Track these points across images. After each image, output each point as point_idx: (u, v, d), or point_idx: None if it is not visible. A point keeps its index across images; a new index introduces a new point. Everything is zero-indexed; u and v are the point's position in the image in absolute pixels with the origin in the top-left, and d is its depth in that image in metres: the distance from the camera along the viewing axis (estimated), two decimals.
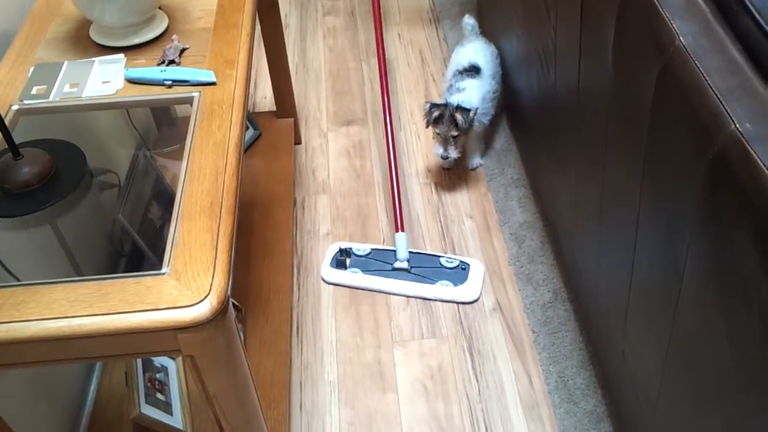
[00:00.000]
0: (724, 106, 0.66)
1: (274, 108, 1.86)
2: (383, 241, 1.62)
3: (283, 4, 2.41)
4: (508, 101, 1.89)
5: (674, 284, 0.84)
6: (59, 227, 0.82)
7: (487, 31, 1.92)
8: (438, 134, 1.66)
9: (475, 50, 1.80)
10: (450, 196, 1.73)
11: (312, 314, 1.49)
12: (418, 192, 1.74)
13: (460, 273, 1.52)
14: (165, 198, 0.85)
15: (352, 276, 1.53)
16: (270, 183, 1.67)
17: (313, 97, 2.05)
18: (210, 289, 0.71)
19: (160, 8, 1.12)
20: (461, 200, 1.72)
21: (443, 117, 1.63)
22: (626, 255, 1.01)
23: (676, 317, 0.86)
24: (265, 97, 2.06)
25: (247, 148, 1.76)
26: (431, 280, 1.51)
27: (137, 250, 0.78)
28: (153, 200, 0.86)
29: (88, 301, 0.71)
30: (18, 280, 0.74)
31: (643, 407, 1.04)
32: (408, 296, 1.50)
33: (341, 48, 2.22)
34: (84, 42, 1.08)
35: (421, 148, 1.86)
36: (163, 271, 0.73)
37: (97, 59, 1.04)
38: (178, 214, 0.79)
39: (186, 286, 0.71)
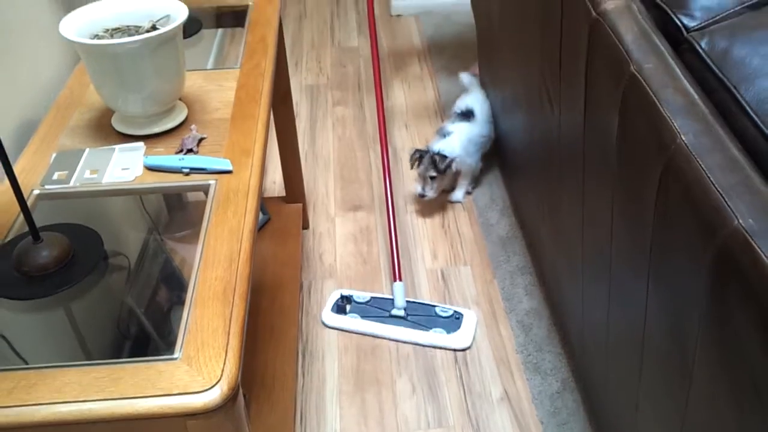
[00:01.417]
0: (726, 203, 0.69)
1: (283, 193, 1.91)
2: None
3: (294, 93, 2.51)
4: (514, 189, 1.93)
5: (684, 377, 0.84)
6: (72, 310, 0.83)
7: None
8: (419, 174, 1.89)
9: (473, 98, 2.04)
10: (456, 282, 1.74)
11: (316, 402, 1.47)
12: (425, 278, 1.75)
13: (453, 322, 1.62)
14: (175, 282, 0.86)
15: (351, 321, 1.63)
16: (277, 267, 1.68)
17: (322, 184, 2.09)
18: (221, 375, 0.71)
19: (180, 99, 1.17)
20: (467, 287, 1.72)
21: (423, 159, 1.86)
22: (635, 347, 1.02)
23: (687, 410, 0.85)
24: (274, 182, 2.11)
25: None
26: (426, 327, 1.61)
27: (149, 334, 0.79)
28: (163, 284, 0.88)
29: (99, 385, 0.71)
30: (29, 363, 0.75)
31: None
32: (403, 342, 1.60)
33: (349, 137, 2.29)
34: (105, 130, 1.12)
35: (427, 233, 1.89)
36: (175, 356, 0.74)
37: (117, 147, 1.08)
38: (191, 299, 0.81)
39: (197, 372, 0.72)
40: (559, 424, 1.39)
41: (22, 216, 0.94)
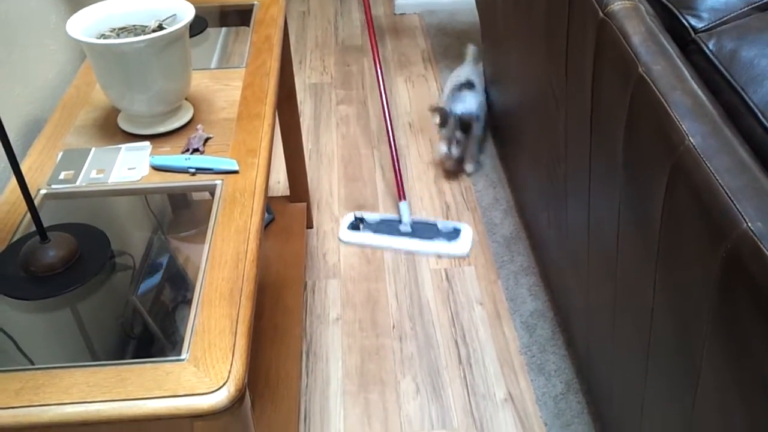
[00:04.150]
0: (735, 205, 0.69)
1: (287, 192, 1.91)
2: (393, 327, 1.62)
3: (298, 92, 2.51)
4: (518, 192, 1.93)
5: (691, 380, 0.84)
6: (79, 311, 0.83)
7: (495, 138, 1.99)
8: (444, 137, 2.00)
9: (470, 70, 2.21)
10: (460, 282, 1.74)
11: (320, 402, 1.47)
12: (429, 278, 1.75)
13: (453, 234, 1.85)
14: (181, 283, 0.86)
15: (365, 236, 1.86)
16: (281, 267, 1.68)
17: (326, 182, 2.09)
18: (228, 377, 0.71)
19: (186, 99, 1.17)
20: (471, 287, 1.72)
21: (448, 121, 1.97)
22: (641, 349, 1.01)
23: (694, 413, 0.85)
24: (278, 182, 2.10)
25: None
26: (430, 239, 1.84)
27: (156, 335, 0.79)
28: (170, 285, 0.88)
29: (106, 386, 0.71)
30: (35, 363, 0.75)
31: None
32: (411, 251, 1.82)
33: (353, 135, 2.29)
34: (111, 129, 1.12)
35: None
36: (182, 357, 0.74)
37: (123, 146, 1.08)
38: (198, 299, 0.81)
39: (205, 373, 0.72)
40: (563, 426, 1.39)
41: (28, 215, 0.94)
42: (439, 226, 1.87)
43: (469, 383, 1.49)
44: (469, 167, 2.09)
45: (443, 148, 2.01)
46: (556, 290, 1.59)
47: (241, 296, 0.81)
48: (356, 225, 1.89)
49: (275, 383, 1.39)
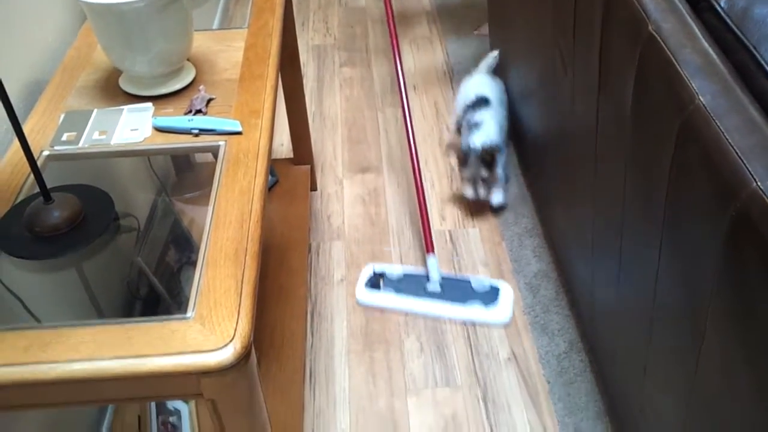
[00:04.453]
0: (745, 164, 0.68)
1: (290, 155, 1.90)
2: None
3: (301, 54, 2.48)
4: (524, 152, 1.91)
5: (696, 342, 0.85)
6: (84, 271, 0.83)
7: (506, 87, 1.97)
8: (467, 178, 1.72)
9: (481, 82, 1.90)
10: (464, 244, 1.74)
11: (325, 361, 1.49)
12: (433, 240, 1.75)
13: (490, 295, 1.58)
14: (186, 243, 0.86)
15: (386, 297, 1.59)
16: (286, 229, 1.69)
17: (330, 145, 2.08)
18: (234, 334, 0.72)
19: (188, 60, 1.16)
20: (475, 249, 1.73)
21: (469, 160, 1.69)
22: (645, 310, 1.02)
23: (697, 375, 0.86)
24: (282, 144, 2.10)
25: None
26: (463, 302, 1.56)
27: (161, 295, 0.80)
28: (174, 245, 0.88)
29: (114, 343, 0.72)
30: (42, 322, 0.75)
31: None
32: (442, 318, 1.56)
33: (357, 98, 2.27)
34: (113, 91, 1.11)
35: (435, 195, 1.88)
36: (188, 315, 0.74)
37: (125, 107, 1.07)
38: (203, 260, 0.81)
39: (211, 331, 0.72)
40: (565, 384, 1.40)
41: (31, 177, 0.94)
42: (473, 284, 1.59)
43: (472, 343, 1.51)
44: (497, 198, 1.77)
45: (468, 191, 1.74)
46: (560, 252, 1.59)
47: (246, 256, 0.81)
48: (376, 282, 1.62)
49: (280, 343, 1.41)
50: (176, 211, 0.92)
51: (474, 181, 1.72)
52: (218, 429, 0.78)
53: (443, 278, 1.61)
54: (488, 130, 1.73)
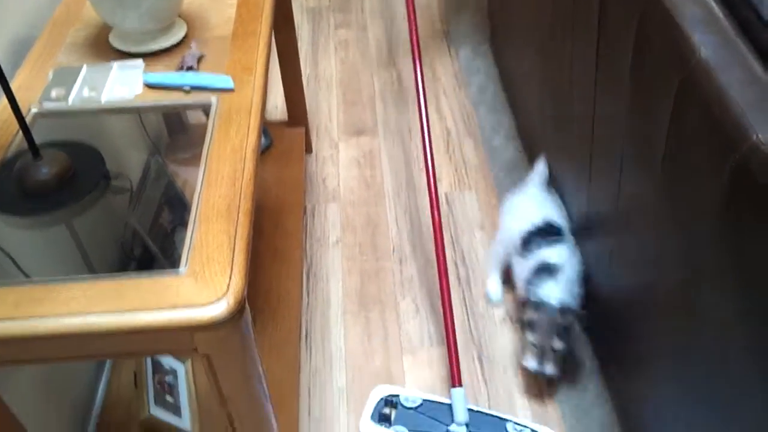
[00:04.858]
0: (746, 117, 0.67)
1: (285, 117, 1.88)
2: (393, 251, 1.63)
3: (296, 16, 2.44)
4: (520, 113, 1.90)
5: (695, 290, 0.85)
6: (75, 228, 0.83)
7: (495, 51, 1.93)
8: (532, 343, 1.25)
9: (540, 200, 1.40)
10: (461, 207, 1.73)
11: (321, 321, 1.49)
12: (429, 203, 1.75)
13: None
14: (178, 200, 0.86)
15: None
16: (281, 191, 1.68)
17: (325, 108, 2.06)
18: (227, 289, 0.72)
19: (179, 16, 1.14)
20: (471, 212, 1.72)
21: (536, 323, 1.21)
22: (645, 264, 1.02)
23: (694, 329, 0.86)
24: (276, 107, 2.08)
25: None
26: None
27: (153, 251, 0.79)
28: (166, 202, 0.87)
29: (105, 299, 0.71)
30: (33, 278, 0.75)
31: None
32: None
33: (352, 60, 2.24)
34: (103, 47, 1.09)
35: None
36: (180, 270, 0.74)
37: (116, 64, 1.05)
38: (195, 216, 0.80)
39: (204, 286, 0.72)
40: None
41: (20, 135, 0.93)
42: (509, 427, 1.24)
43: (468, 303, 1.51)
44: (550, 369, 1.28)
45: (531, 362, 1.27)
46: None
47: (238, 213, 0.81)
48: (386, 415, 1.28)
49: (276, 303, 1.41)
50: (168, 168, 0.91)
51: (542, 351, 1.25)
52: (213, 385, 0.79)
53: (473, 413, 1.27)
54: (569, 278, 1.25)
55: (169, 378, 1.21)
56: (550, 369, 1.25)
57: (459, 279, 1.56)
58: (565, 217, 1.37)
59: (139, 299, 0.71)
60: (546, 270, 1.24)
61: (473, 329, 1.46)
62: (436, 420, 1.26)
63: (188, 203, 0.84)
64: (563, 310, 1.18)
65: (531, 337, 1.23)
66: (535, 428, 1.26)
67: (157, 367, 1.21)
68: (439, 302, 1.51)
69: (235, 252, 0.76)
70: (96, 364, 1.33)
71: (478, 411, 1.28)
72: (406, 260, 1.61)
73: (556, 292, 1.21)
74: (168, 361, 1.25)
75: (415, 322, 1.48)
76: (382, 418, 1.27)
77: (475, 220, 1.70)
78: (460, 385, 1.29)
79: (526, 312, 1.22)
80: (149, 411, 1.11)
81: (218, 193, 0.84)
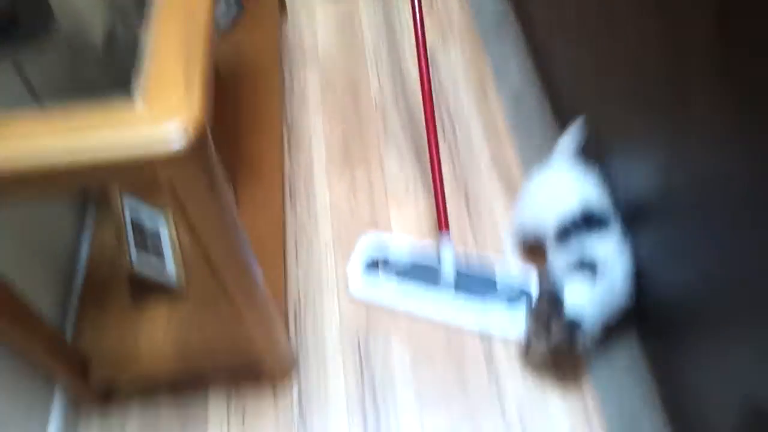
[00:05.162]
0: None
1: None
2: (375, 108, 1.58)
3: None
4: None
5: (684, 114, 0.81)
6: (22, 64, 0.78)
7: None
8: (535, 320, 1.09)
9: (579, 178, 1.16)
10: (445, 62, 1.67)
11: (305, 179, 1.47)
12: (412, 56, 1.68)
13: (517, 298, 1.23)
14: (130, 32, 0.81)
15: (386, 288, 1.26)
16: (257, 57, 1.61)
17: None
18: (186, 116, 0.68)
19: None
20: (457, 66, 1.66)
21: (553, 322, 1.05)
22: (630, 88, 0.97)
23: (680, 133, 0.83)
24: None
25: (231, 26, 1.69)
26: (482, 295, 1.23)
27: (104, 81, 0.75)
28: (116, 31, 0.82)
29: (57, 133, 0.68)
30: None
31: None
32: (451, 323, 1.23)
33: None
34: None
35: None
36: (135, 98, 0.70)
37: None
38: (148, 43, 0.75)
39: (160, 114, 0.68)
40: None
41: None
42: (500, 284, 1.23)
43: (453, 152, 1.48)
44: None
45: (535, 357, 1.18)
46: (543, 59, 1.53)
47: (194, 38, 0.76)
48: (375, 265, 1.30)
49: (258, 164, 1.38)
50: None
51: (556, 351, 1.14)
52: (181, 218, 0.77)
53: (460, 272, 1.26)
54: (613, 280, 1.07)
55: (150, 229, 1.20)
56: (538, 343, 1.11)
57: (444, 132, 1.53)
58: (609, 199, 1.14)
59: (93, 131, 0.67)
60: (587, 267, 1.06)
61: (458, 177, 1.44)
62: (426, 274, 1.27)
63: (141, 30, 0.79)
64: (573, 324, 1.03)
65: (529, 320, 1.10)
66: (526, 287, 1.24)
67: (137, 221, 1.20)
68: (425, 156, 1.49)
69: (193, 76, 0.72)
70: (77, 221, 1.32)
71: (466, 272, 1.27)
72: (389, 117, 1.57)
73: (583, 298, 1.04)
74: (148, 214, 1.23)
75: (400, 175, 1.46)
76: (372, 267, 1.30)
77: (461, 76, 1.64)
78: (447, 229, 1.27)
79: (540, 299, 1.08)
80: (133, 264, 1.11)
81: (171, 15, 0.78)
